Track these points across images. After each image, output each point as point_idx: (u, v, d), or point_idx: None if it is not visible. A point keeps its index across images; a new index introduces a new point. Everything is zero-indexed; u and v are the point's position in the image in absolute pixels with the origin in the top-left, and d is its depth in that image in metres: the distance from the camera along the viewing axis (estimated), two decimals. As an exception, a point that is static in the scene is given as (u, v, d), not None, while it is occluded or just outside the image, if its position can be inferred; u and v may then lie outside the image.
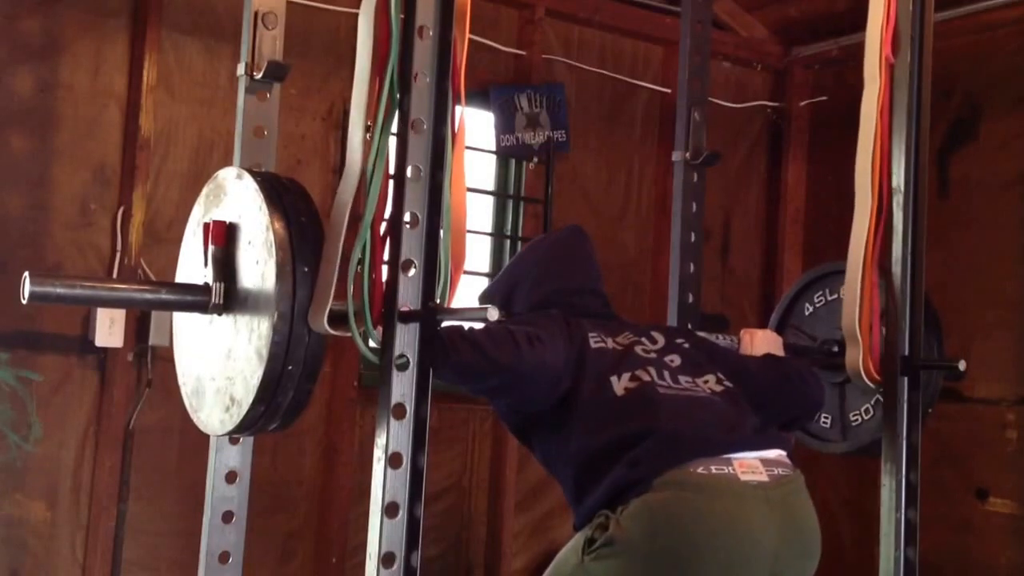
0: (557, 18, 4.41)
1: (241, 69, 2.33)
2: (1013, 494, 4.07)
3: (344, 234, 2.01)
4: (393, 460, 1.92)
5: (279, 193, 2.06)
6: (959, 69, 4.26)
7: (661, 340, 2.39)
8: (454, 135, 2.06)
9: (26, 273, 2.03)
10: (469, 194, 2.19)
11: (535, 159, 4.33)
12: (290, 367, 1.99)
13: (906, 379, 2.50)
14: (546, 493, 4.26)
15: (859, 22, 2.67)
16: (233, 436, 2.28)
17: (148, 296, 2.33)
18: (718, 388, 2.30)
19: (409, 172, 1.97)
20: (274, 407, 2.03)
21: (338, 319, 1.98)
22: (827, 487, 4.44)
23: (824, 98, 4.85)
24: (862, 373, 2.54)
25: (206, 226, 2.13)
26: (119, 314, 3.51)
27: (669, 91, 4.57)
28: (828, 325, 2.88)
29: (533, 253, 2.58)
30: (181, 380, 2.28)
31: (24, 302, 2.03)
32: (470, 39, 2.14)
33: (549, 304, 2.42)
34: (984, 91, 4.30)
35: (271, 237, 2.00)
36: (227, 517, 2.33)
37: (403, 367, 1.94)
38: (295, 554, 3.90)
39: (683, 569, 2.05)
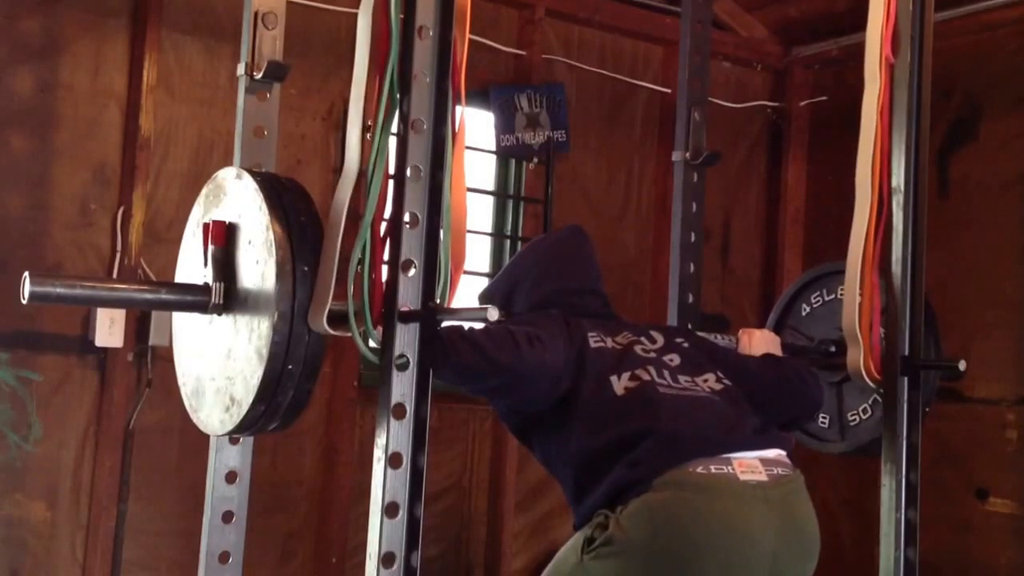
0: (557, 18, 4.40)
1: (241, 69, 2.33)
2: (1013, 494, 4.07)
3: (342, 234, 2.01)
4: (393, 460, 1.92)
5: (279, 193, 2.06)
6: (959, 69, 4.25)
7: (660, 339, 2.39)
8: (454, 135, 2.06)
9: (26, 273, 2.02)
10: (469, 194, 2.19)
11: (535, 159, 4.32)
12: (290, 367, 1.99)
13: (906, 379, 2.50)
14: (546, 493, 4.26)
15: (859, 22, 2.67)
16: (233, 436, 2.28)
17: (148, 296, 2.34)
18: (718, 387, 2.30)
19: (409, 172, 1.97)
20: (274, 407, 2.03)
21: (338, 319, 1.98)
22: (827, 487, 4.44)
23: (824, 98, 4.85)
24: (863, 373, 2.54)
25: (206, 226, 2.13)
26: (119, 314, 3.51)
27: (669, 91, 4.57)
28: (825, 325, 2.88)
29: (533, 253, 2.58)
30: (181, 380, 2.28)
31: (24, 302, 2.03)
32: (470, 39, 2.14)
33: (549, 304, 2.42)
34: (984, 91, 4.29)
35: (271, 237, 2.00)
36: (227, 517, 2.33)
37: (403, 367, 1.94)
38: (295, 554, 3.89)
39: (682, 569, 2.05)
